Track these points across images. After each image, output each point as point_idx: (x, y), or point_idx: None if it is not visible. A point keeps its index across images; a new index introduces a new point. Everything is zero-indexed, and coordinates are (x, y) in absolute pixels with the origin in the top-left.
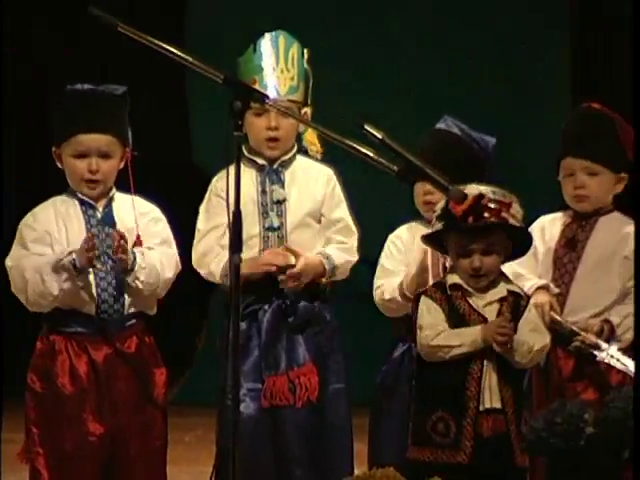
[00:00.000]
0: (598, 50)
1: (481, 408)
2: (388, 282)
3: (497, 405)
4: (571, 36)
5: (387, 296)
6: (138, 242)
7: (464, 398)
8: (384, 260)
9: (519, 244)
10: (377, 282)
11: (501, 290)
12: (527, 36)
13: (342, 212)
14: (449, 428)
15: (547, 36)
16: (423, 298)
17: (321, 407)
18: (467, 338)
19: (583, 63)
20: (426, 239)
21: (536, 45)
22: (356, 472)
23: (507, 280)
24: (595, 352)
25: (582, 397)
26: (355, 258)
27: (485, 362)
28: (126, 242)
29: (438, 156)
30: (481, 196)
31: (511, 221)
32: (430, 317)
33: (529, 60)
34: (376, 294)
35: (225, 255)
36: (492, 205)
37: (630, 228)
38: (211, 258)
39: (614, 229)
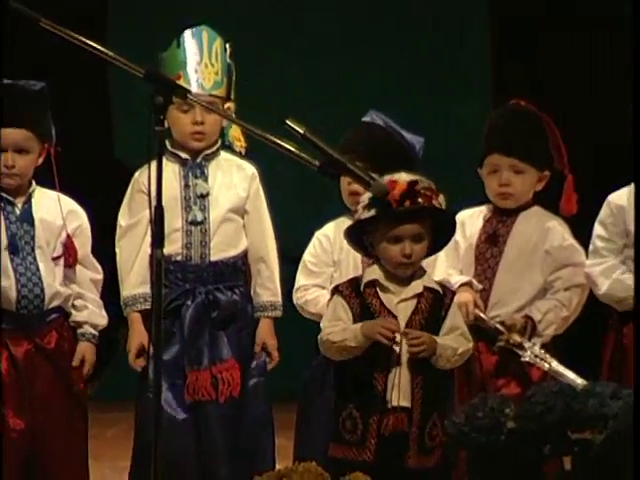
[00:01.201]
0: (520, 47)
1: (389, 406)
2: (315, 292)
3: (405, 404)
4: (492, 35)
5: (312, 310)
6: (71, 249)
7: (371, 395)
8: (308, 258)
9: (440, 235)
10: (299, 281)
11: (417, 286)
12: (447, 31)
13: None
14: (356, 425)
15: (468, 30)
16: (335, 295)
17: (242, 402)
18: (350, 334)
19: (504, 60)
20: (352, 230)
21: (457, 39)
22: (278, 467)
23: (424, 275)
24: (519, 352)
25: (504, 392)
26: None
27: (393, 359)
28: None
29: (367, 149)
30: (415, 181)
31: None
32: (333, 313)
33: (450, 55)
34: (297, 296)
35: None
36: (424, 192)
37: (551, 222)
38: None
39: (535, 223)
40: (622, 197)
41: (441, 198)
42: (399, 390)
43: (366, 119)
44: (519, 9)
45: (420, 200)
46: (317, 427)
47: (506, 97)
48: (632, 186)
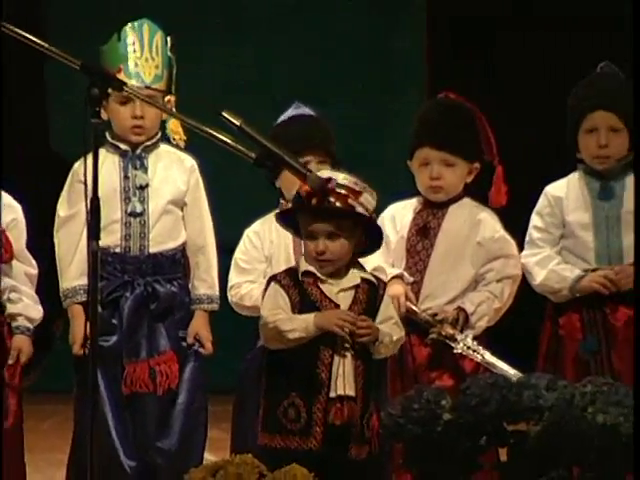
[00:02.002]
0: (453, 40)
1: (332, 395)
2: (249, 286)
3: (350, 393)
4: (428, 30)
5: (248, 303)
6: (7, 244)
7: (315, 384)
8: (239, 255)
9: (371, 235)
10: (231, 280)
11: (354, 278)
12: (382, 25)
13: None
14: (300, 414)
15: (404, 23)
16: (272, 284)
17: (178, 393)
18: (299, 324)
19: (438, 53)
20: (279, 219)
21: (392, 32)
22: (214, 459)
23: (361, 268)
24: (452, 344)
25: (437, 384)
26: None
27: (337, 348)
28: None
29: (303, 140)
30: (328, 179)
31: (359, 209)
32: (272, 303)
33: (386, 50)
34: (231, 294)
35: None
36: (340, 190)
37: (482, 214)
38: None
39: (466, 216)
40: (559, 188)
41: (365, 198)
42: (344, 379)
43: (298, 111)
44: (458, 5)
45: (331, 199)
46: (253, 419)
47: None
48: (570, 177)
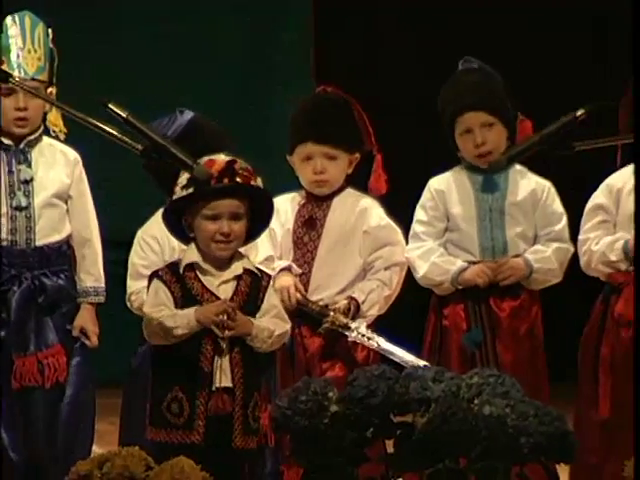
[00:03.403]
0: (341, 32)
1: (213, 387)
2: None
3: (228, 384)
4: (314, 21)
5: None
6: None
7: (198, 377)
8: (138, 261)
9: (258, 219)
10: (130, 287)
11: (237, 268)
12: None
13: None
14: (182, 408)
15: (290, 14)
16: (154, 280)
17: (66, 386)
18: (182, 320)
19: (327, 45)
20: (170, 212)
21: (280, 25)
22: (100, 451)
23: (243, 258)
24: (346, 332)
25: (329, 375)
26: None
27: (219, 341)
28: None
29: (196, 139)
30: (234, 160)
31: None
32: (155, 299)
33: (272, 40)
34: (132, 299)
35: None
36: (242, 171)
37: (366, 203)
38: None
39: (351, 205)
40: (442, 182)
41: (259, 180)
42: (221, 371)
43: (190, 116)
44: None
45: (238, 179)
46: (143, 413)
47: (329, 82)
48: (453, 170)
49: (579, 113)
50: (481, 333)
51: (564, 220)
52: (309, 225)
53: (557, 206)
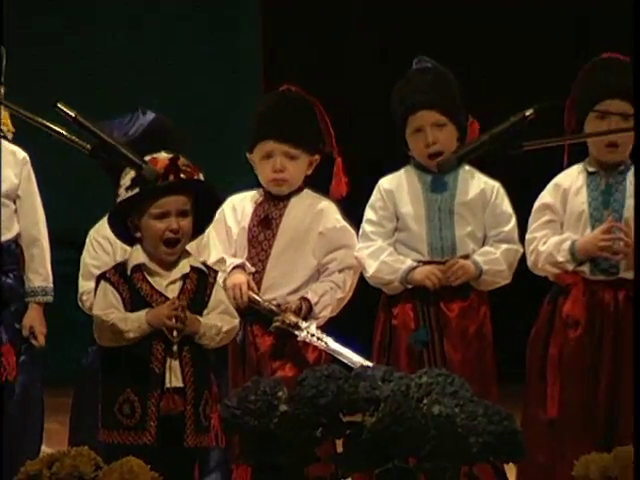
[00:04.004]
0: (288, 33)
1: (164, 388)
2: None
3: (178, 384)
4: (264, 19)
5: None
6: None
7: (149, 378)
8: (90, 261)
9: (203, 215)
10: (82, 286)
11: (184, 267)
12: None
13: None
14: (134, 409)
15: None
16: (101, 282)
17: (14, 385)
18: (133, 324)
19: (276, 43)
20: (115, 215)
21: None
22: (49, 451)
23: (190, 256)
24: (296, 332)
25: (279, 374)
26: None
27: (169, 342)
28: None
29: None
30: (176, 157)
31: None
32: (104, 302)
33: (222, 38)
34: (83, 299)
35: None
36: (186, 167)
37: (323, 205)
38: None
39: (307, 207)
40: (391, 181)
41: (201, 175)
42: (171, 371)
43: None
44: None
45: (183, 175)
46: (93, 413)
47: (278, 81)
48: (403, 170)
49: (528, 113)
50: (428, 332)
51: (513, 221)
52: (265, 224)
53: (506, 207)
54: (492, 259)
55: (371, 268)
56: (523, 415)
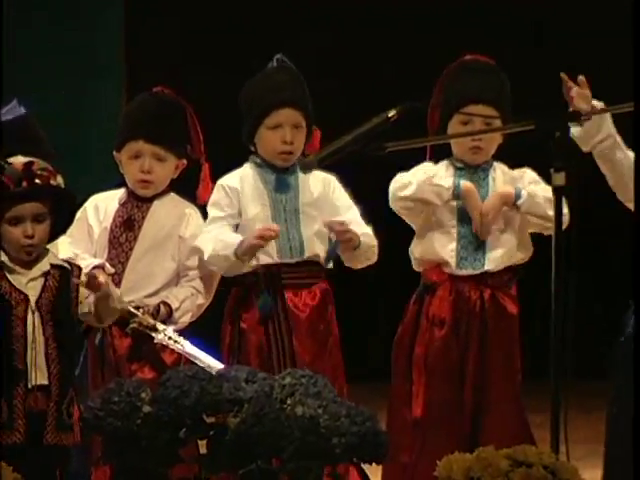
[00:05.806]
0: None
1: (29, 385)
2: None
3: (44, 382)
4: (126, 17)
5: None
6: None
7: (13, 376)
8: None
9: (60, 217)
10: None
11: (44, 264)
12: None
13: None
14: (0, 408)
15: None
16: None
17: None
18: None
19: (137, 42)
20: None
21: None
22: None
23: (49, 254)
24: (152, 334)
25: (138, 376)
26: None
27: (32, 338)
28: None
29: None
30: (32, 162)
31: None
32: None
33: (83, 37)
34: None
35: None
36: (41, 172)
37: (187, 210)
38: None
39: (170, 210)
40: (234, 180)
41: (59, 179)
42: (36, 368)
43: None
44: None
45: (37, 181)
46: None
47: (139, 81)
48: (243, 170)
49: (391, 114)
50: (269, 299)
51: (354, 208)
52: (127, 225)
53: (345, 198)
54: (367, 233)
55: (207, 251)
56: (388, 414)
